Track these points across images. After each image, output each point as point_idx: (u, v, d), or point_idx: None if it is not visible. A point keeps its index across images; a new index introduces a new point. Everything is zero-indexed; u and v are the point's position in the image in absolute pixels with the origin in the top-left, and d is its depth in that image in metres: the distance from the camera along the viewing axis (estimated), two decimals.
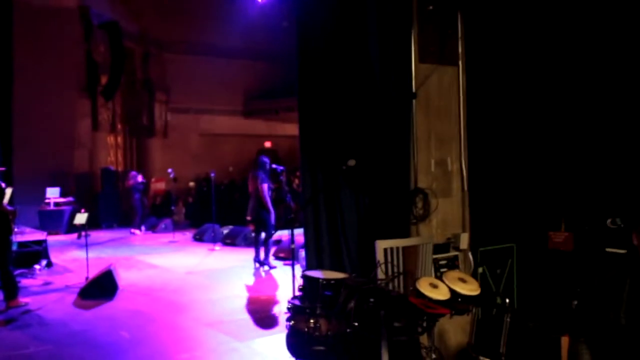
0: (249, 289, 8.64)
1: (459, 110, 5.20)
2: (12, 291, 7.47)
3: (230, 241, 12.95)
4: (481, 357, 4.56)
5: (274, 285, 8.86)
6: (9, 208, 7.67)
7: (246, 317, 7.09)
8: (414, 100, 4.95)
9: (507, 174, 5.29)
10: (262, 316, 7.11)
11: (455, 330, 5.06)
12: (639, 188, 4.42)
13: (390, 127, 4.90)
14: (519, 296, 5.34)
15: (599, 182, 4.82)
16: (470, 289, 3.44)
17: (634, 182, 4.54)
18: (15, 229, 8.25)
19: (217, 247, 12.48)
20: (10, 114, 14.40)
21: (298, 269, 8.93)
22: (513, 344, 4.49)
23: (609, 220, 4.70)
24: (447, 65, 5.18)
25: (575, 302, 4.26)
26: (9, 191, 9.67)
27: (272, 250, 10.57)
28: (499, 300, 5.03)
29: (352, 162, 4.47)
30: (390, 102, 4.91)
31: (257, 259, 10.09)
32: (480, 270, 5.20)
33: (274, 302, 7.85)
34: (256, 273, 9.75)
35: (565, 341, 3.84)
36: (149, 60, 19.63)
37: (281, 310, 7.37)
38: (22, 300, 7.60)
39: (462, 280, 3.50)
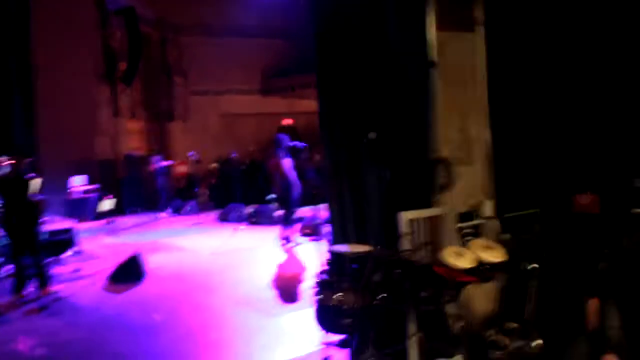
0: (275, 266, 8.70)
1: (480, 77, 5.12)
2: (44, 279, 7.64)
3: (255, 220, 13.04)
4: (508, 324, 4.55)
5: (299, 262, 8.91)
6: (39, 197, 7.80)
7: (274, 294, 7.16)
8: (433, 69, 4.89)
9: (530, 139, 5.22)
10: (289, 293, 7.17)
11: (481, 297, 5.02)
12: None
13: (410, 98, 4.87)
14: (544, 262, 5.30)
15: (623, 144, 4.73)
16: (496, 255, 3.43)
17: None
18: (45, 218, 8.38)
19: (242, 227, 12.57)
20: (32, 105, 14.59)
21: (322, 244, 9.04)
22: (540, 309, 4.47)
23: (636, 180, 4.63)
24: (467, 31, 5.11)
25: (603, 265, 4.23)
26: (38, 181, 9.83)
27: (297, 226, 10.61)
28: (525, 266, 5.01)
29: (373, 135, 4.46)
30: (409, 72, 4.86)
31: (282, 237, 10.15)
32: (505, 237, 5.16)
33: (300, 278, 7.90)
34: (282, 250, 9.82)
35: (593, 304, 3.81)
36: (166, 45, 19.64)
37: (307, 286, 7.43)
38: (55, 288, 7.77)
39: (489, 248, 3.49)
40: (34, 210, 7.54)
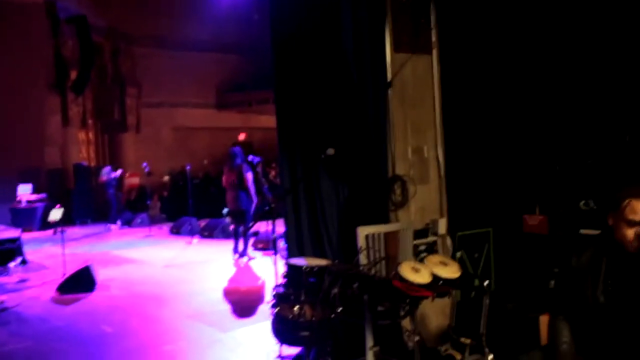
0: (229, 280, 8.65)
1: (434, 98, 5.29)
2: None
3: (207, 233, 12.94)
4: (462, 339, 4.67)
5: (254, 276, 8.89)
6: None
7: (228, 308, 7.12)
8: (389, 90, 5.02)
9: (483, 160, 5.39)
10: (244, 306, 7.14)
11: (435, 313, 5.17)
12: (611, 171, 4.55)
13: (367, 116, 4.97)
14: (496, 279, 5.47)
15: (572, 167, 4.95)
16: (451, 271, 3.53)
17: (605, 166, 4.68)
18: None
19: (195, 240, 12.45)
20: None
21: (278, 259, 9.04)
22: (492, 325, 4.61)
23: (582, 203, 4.84)
24: (422, 53, 5.26)
25: (553, 282, 4.40)
26: None
27: (251, 241, 10.59)
28: (477, 283, 5.16)
29: (331, 151, 4.53)
30: (366, 91, 4.97)
31: (236, 251, 10.11)
32: (458, 254, 5.31)
33: (254, 292, 7.89)
34: (235, 264, 9.77)
35: (544, 320, 3.97)
36: (119, 55, 19.39)
37: (262, 300, 7.42)
38: None
39: (443, 264, 3.59)
40: None
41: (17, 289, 8.31)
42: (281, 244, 9.73)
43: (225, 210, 14.85)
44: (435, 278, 3.47)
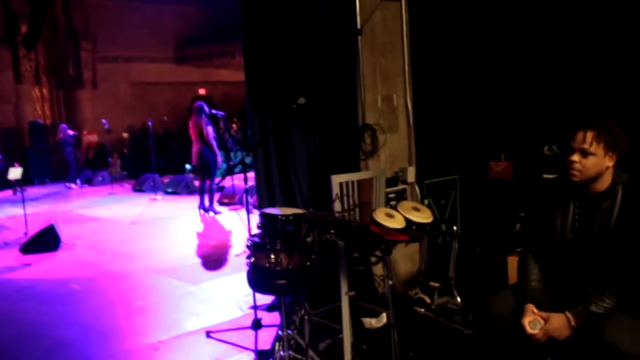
0: (197, 235, 8.65)
1: (403, 46, 5.27)
2: None
3: (171, 190, 12.82)
4: (431, 283, 4.80)
5: (221, 230, 8.90)
6: None
7: (197, 262, 7.13)
8: (359, 37, 4.97)
9: (450, 108, 5.43)
10: (213, 260, 7.17)
11: (404, 259, 5.29)
12: (575, 114, 4.64)
13: (337, 65, 4.92)
14: (462, 225, 5.60)
15: (535, 112, 5.03)
16: (423, 217, 3.59)
17: (568, 109, 4.77)
18: None
19: (159, 197, 12.33)
20: None
21: (243, 213, 9.05)
22: (461, 268, 4.75)
23: (545, 148, 4.94)
24: (391, 0, 5.21)
25: (519, 225, 4.54)
26: None
27: (216, 196, 10.55)
28: (444, 228, 5.28)
29: (302, 100, 4.47)
30: (336, 38, 4.91)
31: (202, 206, 10.07)
32: (426, 202, 5.40)
33: (222, 246, 7.91)
34: (202, 220, 9.75)
35: (512, 261, 4.10)
36: (71, 7, 18.59)
37: (231, 252, 7.45)
38: None
39: (416, 209, 3.64)
40: None
41: None
42: (245, 198, 9.77)
43: (188, 166, 14.73)
44: (409, 223, 3.52)
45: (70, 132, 15.17)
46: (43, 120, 17.81)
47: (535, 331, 2.72)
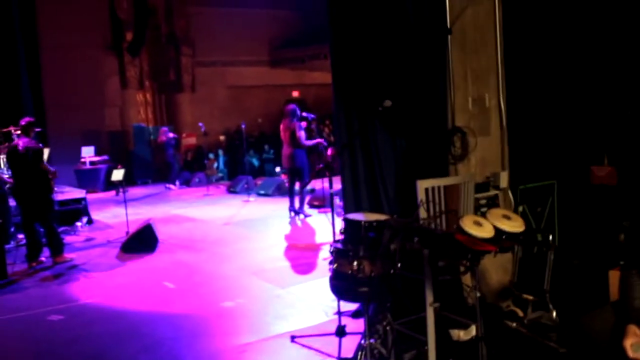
0: (287, 237, 8.72)
1: (496, 44, 5.02)
2: (58, 247, 7.69)
3: (264, 192, 13.05)
4: (524, 295, 4.54)
5: (311, 233, 8.94)
6: (50, 168, 7.82)
7: (286, 265, 7.19)
8: (449, 36, 4.80)
9: (547, 109, 5.14)
10: (302, 263, 7.19)
11: (495, 269, 5.05)
12: None
13: (426, 65, 4.78)
14: (560, 234, 5.27)
15: None
16: (514, 225, 3.38)
17: None
18: (55, 188, 8.42)
19: (252, 198, 12.59)
20: (39, 75, 14.56)
21: (332, 216, 9.03)
22: (557, 281, 4.46)
23: None
24: None
25: (623, 236, 4.19)
26: (46, 151, 9.85)
27: (307, 198, 10.61)
28: (539, 238, 4.99)
29: (388, 103, 4.38)
30: (425, 39, 4.77)
31: (292, 208, 10.16)
32: (520, 209, 5.12)
33: (312, 249, 7.93)
34: (292, 222, 9.84)
35: (614, 275, 3.79)
36: (173, 14, 19.42)
37: (320, 256, 7.46)
38: (68, 256, 7.83)
39: (507, 218, 3.44)
40: (45, 179, 7.55)
41: (84, 248, 8.63)
42: (337, 200, 9.74)
43: (278, 169, 14.96)
44: (499, 232, 3.33)
45: (172, 135, 15.85)
46: (146, 123, 18.73)
47: (638, 355, 2.47)
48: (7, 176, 9.34)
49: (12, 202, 8.70)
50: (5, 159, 8.43)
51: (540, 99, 5.13)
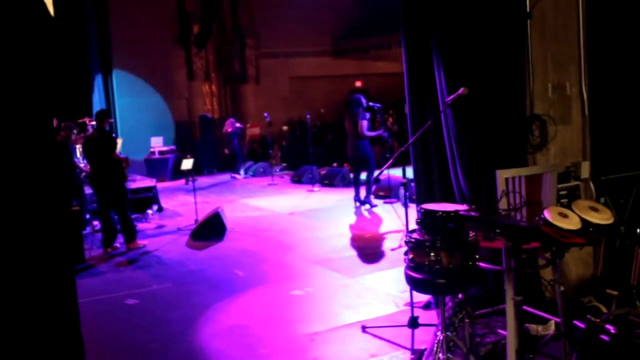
0: (352, 227, 8.69)
1: (579, 29, 4.80)
2: (131, 234, 7.94)
3: (328, 182, 13.06)
4: (608, 290, 4.33)
5: (377, 223, 8.87)
6: (122, 156, 8.06)
7: (353, 254, 7.16)
8: (528, 21, 4.62)
9: (632, 96, 4.88)
10: (369, 253, 7.15)
11: (575, 263, 4.86)
12: None
13: (504, 51, 4.62)
14: None
15: None
16: (603, 217, 3.23)
17: None
18: (128, 177, 8.69)
19: (316, 188, 12.62)
20: (110, 69, 15.07)
21: (399, 206, 8.94)
22: None
23: None
24: None
25: None
26: (119, 141, 10.18)
27: (372, 189, 10.54)
28: (622, 230, 4.76)
29: (464, 91, 4.25)
30: (503, 23, 4.61)
31: (357, 198, 10.11)
32: (602, 200, 4.90)
33: (378, 239, 7.87)
34: (357, 212, 9.79)
35: None
36: (238, 7, 19.66)
37: (386, 246, 7.39)
38: (140, 242, 8.06)
39: (594, 209, 3.29)
40: (119, 168, 7.80)
41: (155, 235, 8.87)
42: (402, 191, 9.62)
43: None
44: (586, 224, 3.18)
45: (238, 125, 16.07)
46: (211, 114, 19.08)
47: None
48: (83, 165, 9.72)
49: (87, 190, 9.06)
50: (82, 149, 8.76)
51: (626, 86, 4.88)
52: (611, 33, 4.82)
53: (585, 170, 4.81)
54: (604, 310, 4.25)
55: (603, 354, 3.70)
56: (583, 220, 3.20)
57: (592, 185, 4.84)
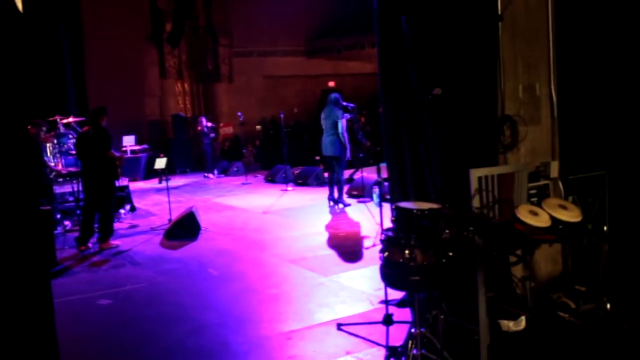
0: (327, 226, 8.74)
1: (548, 32, 4.92)
2: (108, 234, 7.86)
3: (302, 181, 13.09)
4: (577, 287, 4.47)
5: (351, 222, 8.93)
6: (117, 154, 7.99)
7: (328, 253, 7.20)
8: (500, 23, 4.72)
9: (599, 97, 5.01)
10: (343, 251, 7.20)
11: (545, 260, 4.97)
12: None
13: (476, 53, 4.71)
14: (611, 225, 5.15)
15: None
16: (572, 215, 3.32)
17: None
18: (120, 176, 8.60)
19: (290, 188, 12.64)
20: (82, 66, 14.87)
21: (372, 206, 9.02)
22: (609, 273, 4.38)
23: None
24: None
25: None
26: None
27: (345, 188, 10.61)
28: (590, 228, 4.89)
29: (438, 91, 4.33)
30: (475, 25, 4.70)
31: (331, 197, 10.17)
32: (570, 199, 5.03)
33: (352, 238, 7.92)
34: (331, 211, 9.85)
35: None
36: (211, 5, 19.56)
37: (361, 245, 7.45)
38: (113, 242, 7.99)
39: (563, 207, 3.38)
40: (112, 165, 7.75)
41: (128, 234, 8.80)
42: (376, 190, 9.71)
43: (317, 158, 14.96)
44: (555, 222, 3.27)
45: (209, 124, 15.98)
46: (184, 113, 18.95)
47: None
48: (53, 164, 9.59)
49: (57, 190, 8.94)
50: (75, 144, 8.62)
51: (593, 87, 5.02)
52: (580, 36, 4.95)
53: (554, 169, 4.92)
54: (573, 305, 4.37)
55: (571, 349, 3.81)
56: (553, 218, 3.29)
57: (560, 184, 4.96)
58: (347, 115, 9.92)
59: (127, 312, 5.46)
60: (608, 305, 4.17)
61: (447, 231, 3.49)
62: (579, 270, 4.70)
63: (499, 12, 4.73)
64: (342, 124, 9.57)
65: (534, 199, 4.53)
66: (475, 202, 3.77)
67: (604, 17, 4.92)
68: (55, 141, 10.89)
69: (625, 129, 5.00)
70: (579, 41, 4.98)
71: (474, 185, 3.85)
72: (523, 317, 4.22)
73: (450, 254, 3.54)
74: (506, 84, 4.82)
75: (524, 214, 3.25)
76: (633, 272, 4.31)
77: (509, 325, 4.22)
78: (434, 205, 3.72)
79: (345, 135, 9.66)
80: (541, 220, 3.23)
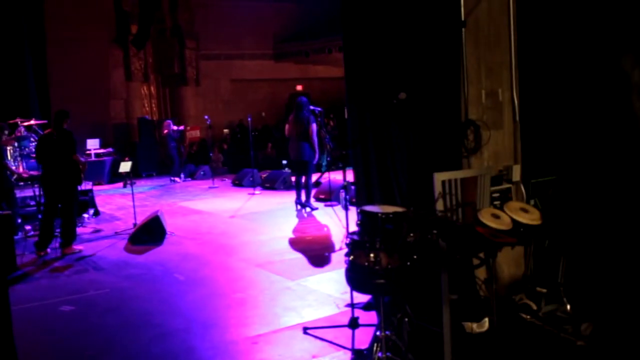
0: (294, 230, 8.73)
1: (510, 38, 5.01)
2: (70, 239, 7.71)
3: (269, 185, 13.05)
4: (538, 288, 4.55)
5: (318, 226, 8.94)
6: (82, 159, 7.83)
7: (295, 257, 7.19)
8: (463, 29, 4.79)
9: (560, 102, 5.13)
10: (310, 255, 7.20)
11: (508, 263, 5.05)
12: None
13: (440, 58, 4.78)
14: (568, 229, 5.26)
15: None
16: (532, 218, 3.40)
17: None
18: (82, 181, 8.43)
19: (257, 192, 12.60)
20: (45, 68, 14.55)
21: (339, 209, 9.05)
22: (571, 274, 4.47)
23: None
24: None
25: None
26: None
27: (313, 192, 10.61)
28: (557, 231, 4.98)
29: (403, 95, 4.38)
30: (439, 32, 4.76)
31: (298, 201, 10.17)
32: (532, 202, 5.12)
33: (319, 242, 7.93)
34: (299, 215, 9.84)
35: None
36: (178, 7, 19.39)
37: (328, 249, 7.47)
38: (76, 247, 7.84)
39: (524, 211, 3.45)
40: (76, 169, 7.60)
41: (92, 239, 8.64)
42: (342, 194, 9.74)
43: (284, 162, 14.98)
44: (516, 225, 3.34)
45: (175, 128, 15.82)
46: (150, 116, 18.72)
47: None
48: (14, 167, 9.38)
49: (18, 194, 8.73)
50: (36, 147, 8.42)
51: (555, 92, 5.12)
52: (541, 42, 5.06)
53: (516, 173, 5.01)
54: (534, 307, 4.45)
55: (532, 350, 3.89)
56: (514, 221, 3.36)
57: (522, 187, 5.05)
58: (313, 119, 9.92)
59: (90, 319, 5.36)
60: (568, 307, 4.26)
61: (411, 234, 3.52)
62: (540, 272, 4.79)
63: (463, 18, 4.81)
64: (312, 128, 9.57)
65: (497, 202, 4.61)
66: (439, 206, 3.81)
67: (564, 23, 5.03)
68: (16, 144, 10.65)
69: (577, 134, 5.12)
70: (540, 47, 5.08)
71: (437, 188, 3.90)
72: (486, 319, 4.29)
73: (415, 257, 3.57)
74: (469, 89, 4.89)
75: (487, 217, 3.31)
76: (590, 275, 4.41)
77: (472, 326, 4.28)
78: (399, 209, 3.75)
79: (315, 139, 9.66)
80: (503, 223, 3.29)
